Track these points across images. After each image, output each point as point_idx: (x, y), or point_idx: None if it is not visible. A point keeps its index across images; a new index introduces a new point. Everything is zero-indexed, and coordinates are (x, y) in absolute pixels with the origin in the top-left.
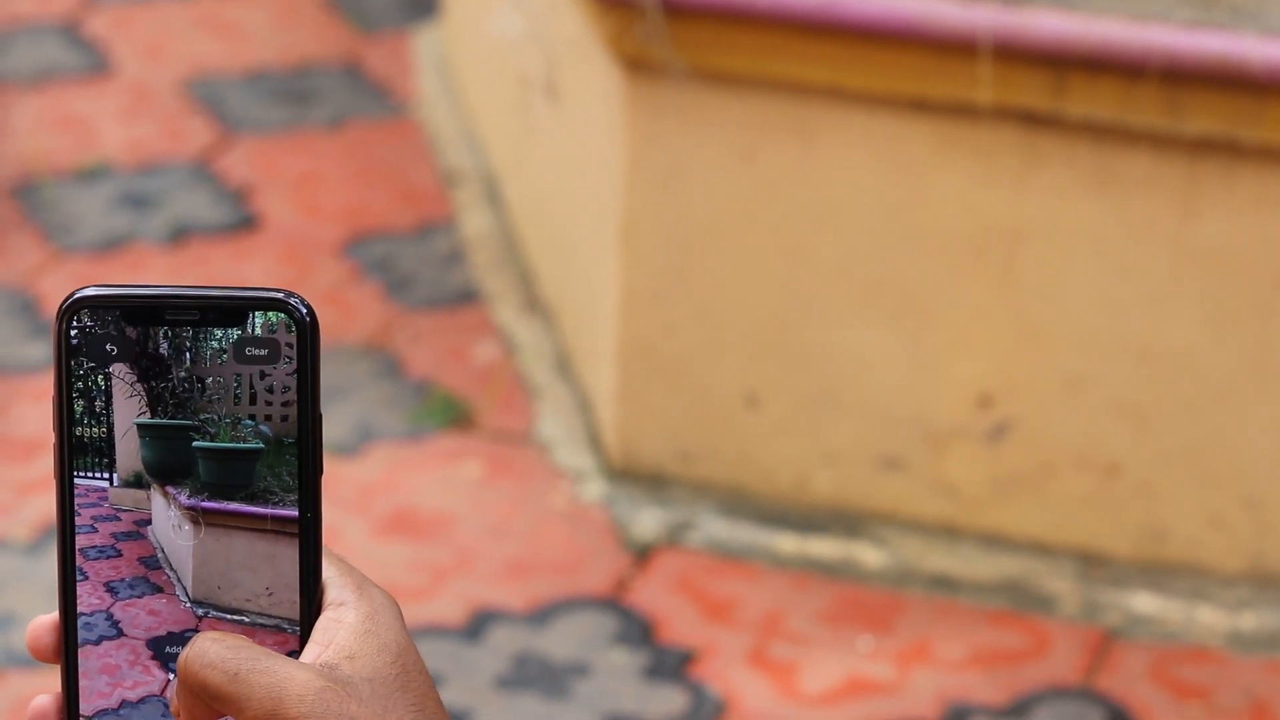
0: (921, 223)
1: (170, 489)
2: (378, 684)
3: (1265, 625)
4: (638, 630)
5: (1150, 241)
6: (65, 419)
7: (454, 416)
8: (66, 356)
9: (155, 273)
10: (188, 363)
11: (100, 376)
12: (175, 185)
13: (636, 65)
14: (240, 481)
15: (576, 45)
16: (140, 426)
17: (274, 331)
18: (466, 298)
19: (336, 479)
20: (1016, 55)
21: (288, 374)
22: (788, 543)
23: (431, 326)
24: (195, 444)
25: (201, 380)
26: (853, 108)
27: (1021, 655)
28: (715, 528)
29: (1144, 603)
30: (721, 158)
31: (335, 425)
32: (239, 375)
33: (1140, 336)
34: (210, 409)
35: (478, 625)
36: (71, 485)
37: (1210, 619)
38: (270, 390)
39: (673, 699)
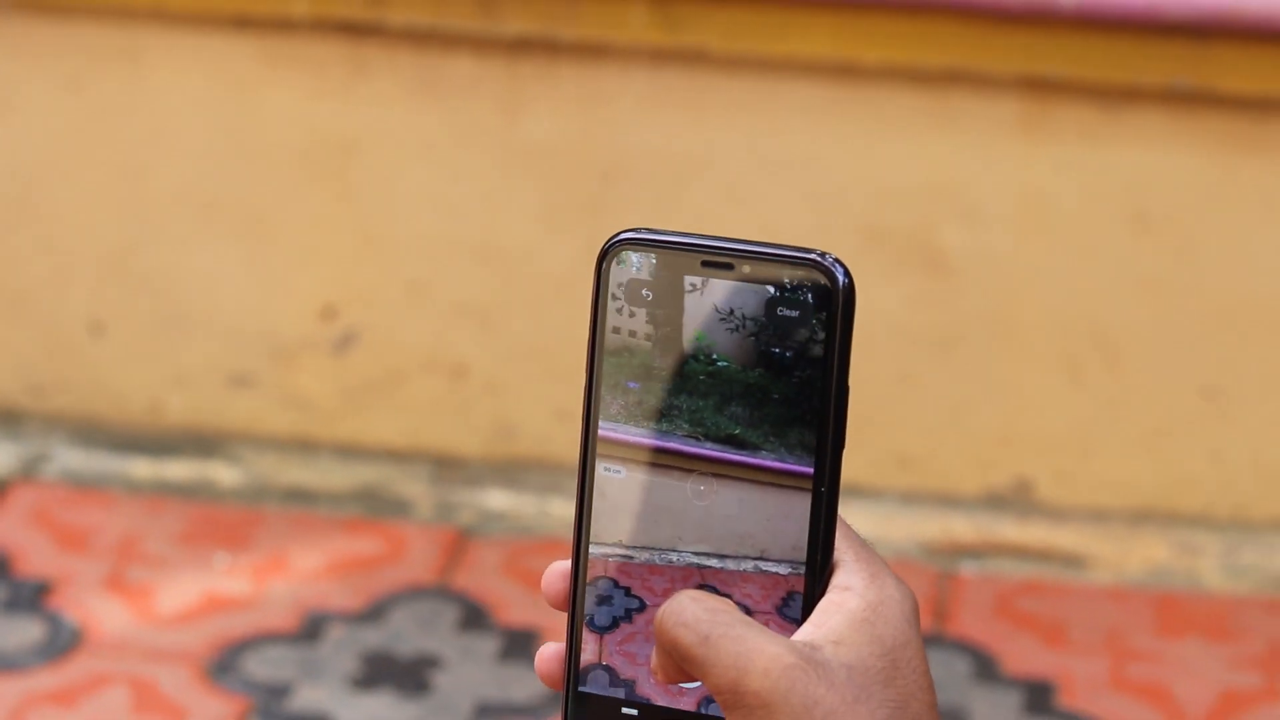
0: (255, 140)
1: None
2: (856, 672)
3: None
4: None
5: (477, 144)
6: (596, 358)
7: None
8: (604, 296)
9: None
10: (716, 315)
11: (630, 317)
12: None
13: None
14: (741, 433)
15: None
16: (651, 370)
17: (809, 293)
18: None
19: None
20: None
21: (818, 339)
22: (142, 468)
23: None
24: (700, 393)
25: (726, 334)
26: (178, 29)
27: (377, 560)
28: (69, 458)
29: (497, 499)
30: (49, 88)
31: None
32: (765, 334)
33: (477, 238)
34: (728, 365)
35: None
36: (596, 428)
37: (562, 511)
38: (795, 354)
39: (30, 630)
